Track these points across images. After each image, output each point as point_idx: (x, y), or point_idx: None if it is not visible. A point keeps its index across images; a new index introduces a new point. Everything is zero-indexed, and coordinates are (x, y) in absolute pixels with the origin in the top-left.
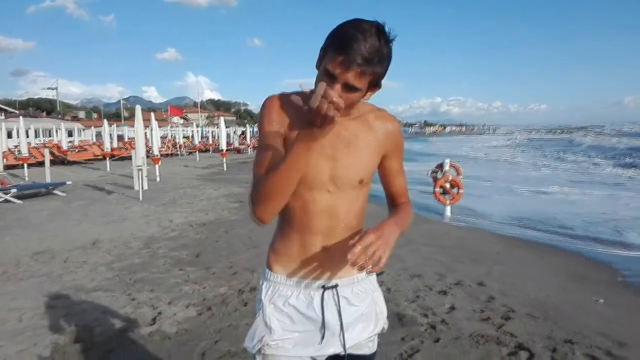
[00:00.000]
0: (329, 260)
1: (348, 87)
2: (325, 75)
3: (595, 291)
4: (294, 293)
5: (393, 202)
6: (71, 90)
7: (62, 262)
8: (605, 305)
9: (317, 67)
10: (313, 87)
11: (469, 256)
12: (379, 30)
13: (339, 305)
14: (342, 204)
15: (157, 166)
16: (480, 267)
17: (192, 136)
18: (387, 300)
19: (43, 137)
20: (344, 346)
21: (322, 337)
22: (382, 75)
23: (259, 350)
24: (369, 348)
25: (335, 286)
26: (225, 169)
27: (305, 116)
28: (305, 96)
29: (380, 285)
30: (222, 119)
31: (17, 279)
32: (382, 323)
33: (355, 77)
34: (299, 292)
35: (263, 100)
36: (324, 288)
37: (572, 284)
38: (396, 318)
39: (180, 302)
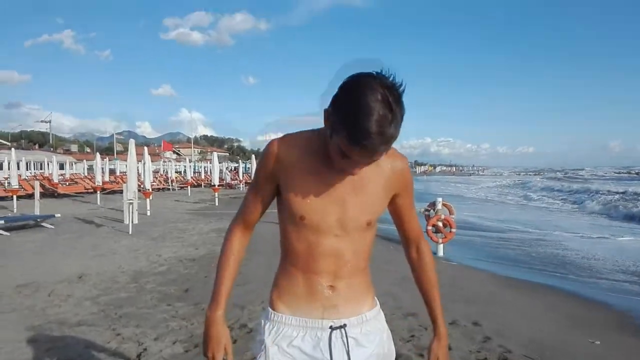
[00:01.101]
0: (336, 299)
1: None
2: (344, 157)
3: (591, 332)
4: (300, 334)
5: (410, 243)
6: (64, 124)
7: (47, 295)
8: (602, 346)
9: (326, 126)
10: None
11: (463, 295)
12: (388, 96)
13: (348, 347)
14: (349, 247)
15: (148, 200)
16: (475, 306)
17: (185, 171)
18: None
19: (34, 169)
20: None
21: None
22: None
23: None
24: None
25: (344, 326)
26: (217, 204)
27: (309, 158)
28: (310, 136)
29: None
30: (215, 154)
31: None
32: None
33: (378, 157)
34: (305, 332)
35: (267, 143)
36: (332, 328)
37: (566, 325)
38: None
39: (167, 338)
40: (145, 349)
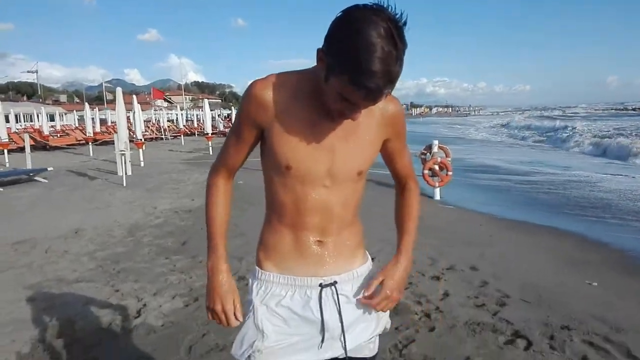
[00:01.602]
0: (326, 255)
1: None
2: (343, 101)
3: (588, 273)
4: (288, 292)
5: (399, 182)
6: (52, 74)
7: (43, 252)
8: (599, 287)
9: (320, 69)
10: None
11: (460, 239)
12: (391, 29)
13: (339, 305)
14: (338, 199)
15: (140, 150)
16: (472, 250)
17: (177, 120)
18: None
19: (24, 121)
20: (345, 349)
21: (322, 341)
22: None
23: (249, 357)
24: (370, 350)
25: (334, 283)
26: (211, 152)
27: (296, 102)
28: (298, 77)
29: None
30: (206, 101)
31: None
32: (384, 322)
33: (381, 100)
34: (294, 291)
35: (248, 84)
36: (322, 286)
37: (564, 267)
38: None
39: (166, 293)
40: (144, 305)
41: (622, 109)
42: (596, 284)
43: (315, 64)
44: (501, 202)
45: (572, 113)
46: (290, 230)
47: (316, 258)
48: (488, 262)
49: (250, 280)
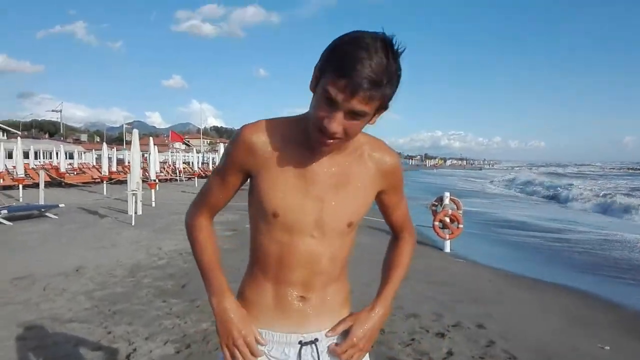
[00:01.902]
0: (309, 312)
1: (352, 114)
2: (325, 101)
3: (600, 336)
4: (266, 348)
5: (394, 232)
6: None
7: (42, 289)
8: (612, 352)
9: (312, 89)
10: None
11: (468, 295)
12: (385, 44)
13: None
14: (326, 251)
15: (153, 191)
16: (480, 307)
17: (193, 162)
18: (379, 343)
19: (44, 158)
20: None
21: None
22: (392, 96)
23: None
24: None
25: (315, 341)
26: None
27: (286, 148)
28: (289, 123)
29: None
30: (222, 145)
31: None
32: None
33: (362, 102)
34: (271, 347)
35: (239, 128)
36: (301, 344)
37: (575, 328)
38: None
39: (158, 338)
40: (134, 349)
41: (638, 169)
42: (608, 347)
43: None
44: (512, 257)
45: (589, 171)
46: (272, 285)
47: (298, 315)
48: (496, 320)
49: None
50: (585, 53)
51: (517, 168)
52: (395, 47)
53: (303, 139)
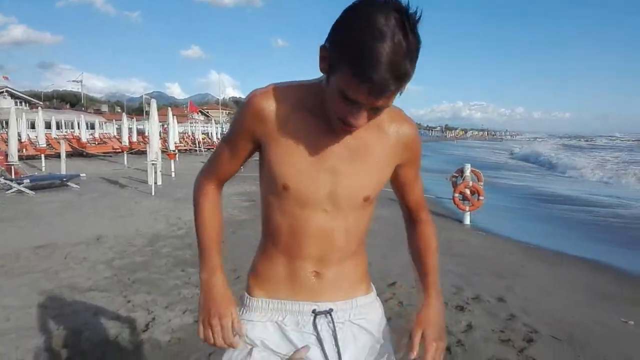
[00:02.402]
0: (323, 287)
1: (375, 109)
2: (345, 101)
3: (625, 310)
4: (279, 318)
5: (410, 213)
6: (96, 84)
7: (63, 257)
8: (636, 327)
9: (323, 70)
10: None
11: (489, 268)
12: (401, 18)
13: (336, 336)
14: (340, 226)
15: (172, 162)
16: (501, 280)
17: (211, 133)
18: (398, 316)
19: (65, 129)
20: None
21: None
22: (414, 71)
23: None
24: None
25: (330, 311)
26: (242, 168)
27: (298, 116)
28: (301, 89)
29: (392, 298)
30: None
31: (14, 275)
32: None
33: (386, 99)
34: (284, 316)
35: (248, 94)
36: (315, 313)
37: (599, 302)
38: (408, 337)
39: (177, 307)
40: (153, 319)
41: None
42: (632, 322)
43: (319, 67)
44: (536, 229)
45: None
46: (285, 259)
47: (312, 290)
48: (517, 294)
49: (239, 309)
50: (618, 19)
51: (540, 139)
52: (414, 17)
53: (315, 107)
